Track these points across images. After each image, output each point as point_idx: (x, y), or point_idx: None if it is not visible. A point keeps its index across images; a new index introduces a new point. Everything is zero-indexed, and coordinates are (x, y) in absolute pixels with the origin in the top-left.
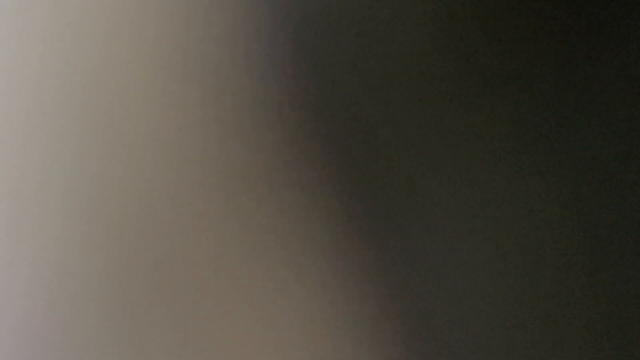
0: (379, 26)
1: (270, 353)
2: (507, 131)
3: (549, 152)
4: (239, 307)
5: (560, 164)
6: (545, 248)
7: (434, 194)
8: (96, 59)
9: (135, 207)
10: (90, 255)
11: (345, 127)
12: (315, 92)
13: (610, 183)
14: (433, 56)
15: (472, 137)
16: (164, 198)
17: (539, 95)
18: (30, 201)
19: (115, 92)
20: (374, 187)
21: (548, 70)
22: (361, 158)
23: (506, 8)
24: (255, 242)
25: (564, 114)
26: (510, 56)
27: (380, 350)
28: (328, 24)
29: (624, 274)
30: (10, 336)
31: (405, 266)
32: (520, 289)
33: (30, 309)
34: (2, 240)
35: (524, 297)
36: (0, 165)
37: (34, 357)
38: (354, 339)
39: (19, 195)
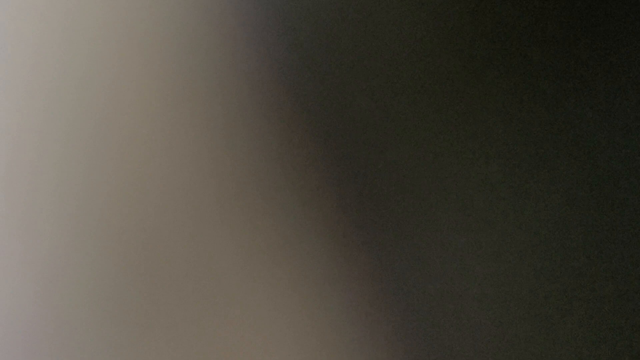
0: (378, 26)
1: (268, 355)
2: (508, 132)
3: (551, 153)
4: (235, 309)
5: (563, 164)
6: (547, 249)
7: (435, 194)
8: (90, 60)
9: (129, 210)
10: (83, 258)
11: (345, 127)
12: (314, 92)
13: (612, 184)
14: (434, 56)
15: (473, 137)
16: (161, 200)
17: (541, 95)
18: (23, 204)
19: (110, 93)
20: (373, 189)
21: (550, 70)
22: (360, 159)
23: (507, 8)
24: (252, 245)
25: (565, 114)
26: (512, 56)
27: (380, 352)
28: (327, 24)
29: (626, 275)
30: (4, 338)
31: (406, 268)
32: (523, 290)
33: (23, 312)
34: None
35: (526, 298)
36: None
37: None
38: (354, 341)
39: (13, 196)
